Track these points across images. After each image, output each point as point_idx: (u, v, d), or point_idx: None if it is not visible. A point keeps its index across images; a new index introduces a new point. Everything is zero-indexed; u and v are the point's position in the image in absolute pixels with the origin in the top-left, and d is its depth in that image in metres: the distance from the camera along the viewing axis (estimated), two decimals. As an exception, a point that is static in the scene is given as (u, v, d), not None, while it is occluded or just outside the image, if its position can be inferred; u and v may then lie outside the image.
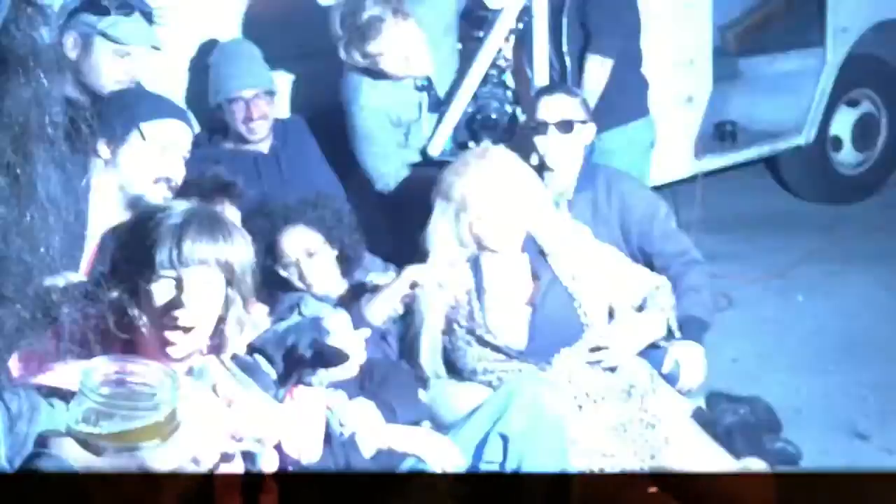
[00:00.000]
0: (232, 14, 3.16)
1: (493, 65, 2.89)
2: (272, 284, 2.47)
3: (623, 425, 2.35)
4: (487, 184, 2.44)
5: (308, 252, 2.52)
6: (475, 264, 2.50)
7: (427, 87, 2.92)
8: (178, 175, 2.21)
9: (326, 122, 3.04)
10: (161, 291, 1.66)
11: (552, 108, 2.72)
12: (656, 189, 3.94)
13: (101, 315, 1.66)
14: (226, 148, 2.93)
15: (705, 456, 2.36)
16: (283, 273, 2.54)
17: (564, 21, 3.12)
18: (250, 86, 2.86)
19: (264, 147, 2.95)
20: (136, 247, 1.71)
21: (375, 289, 2.49)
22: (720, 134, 4.59)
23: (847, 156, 5.24)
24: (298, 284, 2.54)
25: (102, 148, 2.15)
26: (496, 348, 2.39)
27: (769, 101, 4.82)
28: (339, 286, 2.60)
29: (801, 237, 4.67)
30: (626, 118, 3.19)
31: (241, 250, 1.75)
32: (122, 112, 2.19)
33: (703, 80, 4.34)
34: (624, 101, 3.18)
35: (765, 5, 5.08)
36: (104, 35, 2.42)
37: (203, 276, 1.68)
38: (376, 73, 2.85)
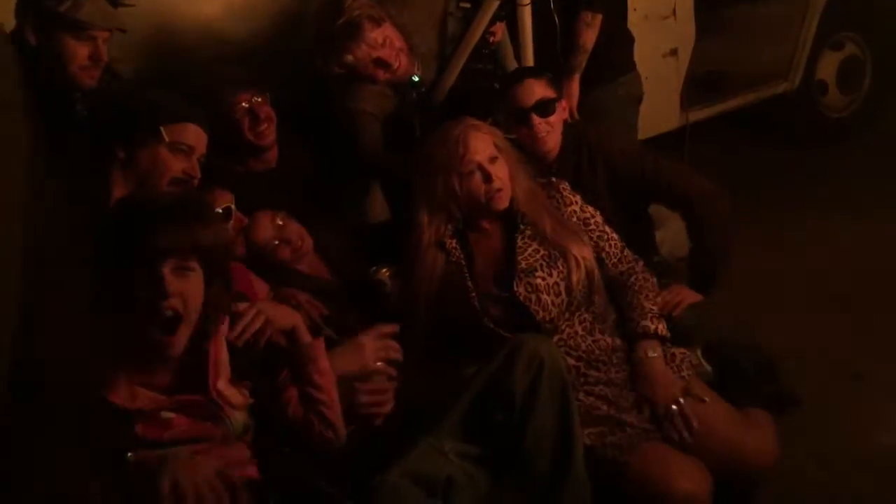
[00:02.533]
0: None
1: (484, 39, 2.87)
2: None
3: (626, 384, 2.40)
4: (473, 142, 2.44)
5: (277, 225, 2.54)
6: (462, 242, 2.51)
7: (413, 84, 2.89)
8: (195, 178, 2.23)
9: (317, 122, 3.01)
10: (142, 284, 1.66)
11: (525, 93, 2.72)
12: (646, 143, 3.98)
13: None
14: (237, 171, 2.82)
15: (709, 407, 2.39)
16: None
17: None
18: (248, 87, 2.78)
19: (271, 160, 2.88)
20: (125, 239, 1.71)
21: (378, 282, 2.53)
22: (706, 84, 4.59)
23: (833, 99, 5.26)
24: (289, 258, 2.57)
25: (120, 150, 2.17)
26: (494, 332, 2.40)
27: (754, 49, 4.82)
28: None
29: (791, 184, 4.71)
30: (615, 74, 3.19)
31: (218, 230, 1.79)
32: (141, 115, 2.21)
33: (686, 31, 4.33)
34: (612, 58, 3.19)
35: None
36: (65, 18, 2.39)
37: (180, 264, 1.68)
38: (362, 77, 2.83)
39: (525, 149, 2.74)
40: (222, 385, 1.78)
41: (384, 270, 2.56)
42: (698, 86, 4.56)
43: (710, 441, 2.33)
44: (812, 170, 4.88)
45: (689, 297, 2.64)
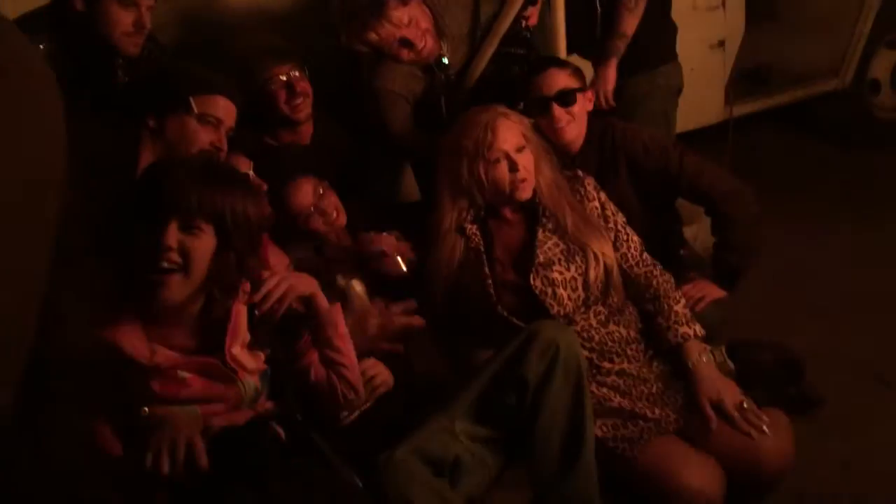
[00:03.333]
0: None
1: (520, 21, 2.85)
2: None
3: (640, 376, 2.39)
4: (502, 130, 2.44)
5: (318, 194, 2.55)
6: (483, 229, 2.51)
7: (440, 66, 2.87)
8: (222, 151, 2.27)
9: (346, 100, 3.02)
10: (145, 235, 1.72)
11: (546, 83, 2.70)
12: (688, 135, 3.94)
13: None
14: (268, 143, 2.84)
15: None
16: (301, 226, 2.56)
17: None
18: (286, 61, 2.79)
19: (305, 136, 2.90)
20: (143, 197, 1.77)
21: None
22: (753, 78, 4.52)
23: (886, 99, 5.14)
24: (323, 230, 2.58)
25: (151, 119, 2.21)
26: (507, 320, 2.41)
27: (805, 44, 4.73)
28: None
29: (832, 185, 4.63)
30: (655, 63, 3.16)
31: (236, 197, 1.79)
32: (172, 85, 2.25)
33: (735, 23, 4.27)
34: (653, 46, 3.15)
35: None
36: None
37: (187, 221, 1.73)
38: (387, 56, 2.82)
39: (548, 139, 2.74)
40: (237, 350, 1.83)
41: (353, 283, 2.50)
42: (745, 79, 4.49)
43: (725, 439, 2.31)
44: (854, 171, 4.79)
45: (713, 292, 2.62)
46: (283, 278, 1.95)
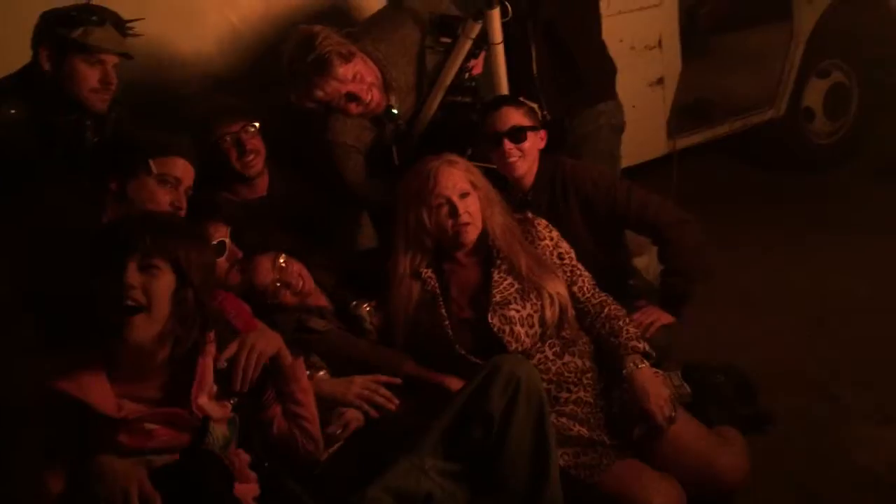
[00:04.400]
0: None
1: (464, 72, 2.97)
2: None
3: (597, 404, 2.49)
4: (444, 176, 2.55)
5: (278, 267, 2.61)
6: (438, 272, 2.61)
7: (389, 116, 2.98)
8: (181, 210, 2.35)
9: (302, 153, 3.13)
10: (106, 279, 1.79)
11: (500, 119, 2.83)
12: (634, 169, 4.09)
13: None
14: (225, 197, 2.91)
15: (681, 425, 2.47)
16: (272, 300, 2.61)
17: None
18: (236, 119, 2.90)
19: (261, 188, 2.99)
20: (102, 249, 1.85)
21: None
22: (693, 112, 4.69)
23: (820, 125, 5.36)
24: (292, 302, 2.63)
25: (113, 182, 2.30)
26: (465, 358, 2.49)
27: (740, 78, 4.92)
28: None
29: (774, 208, 4.81)
30: (596, 100, 3.29)
31: (188, 240, 1.89)
32: (132, 148, 2.34)
33: (672, 61, 4.44)
34: (594, 85, 3.29)
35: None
36: (75, 43, 2.53)
37: (145, 260, 1.81)
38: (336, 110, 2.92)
39: (503, 176, 2.86)
40: (203, 400, 1.89)
41: (365, 306, 2.65)
42: (685, 113, 4.67)
43: (683, 458, 2.42)
44: (795, 194, 4.99)
45: (662, 318, 2.74)
46: (252, 345, 2.00)
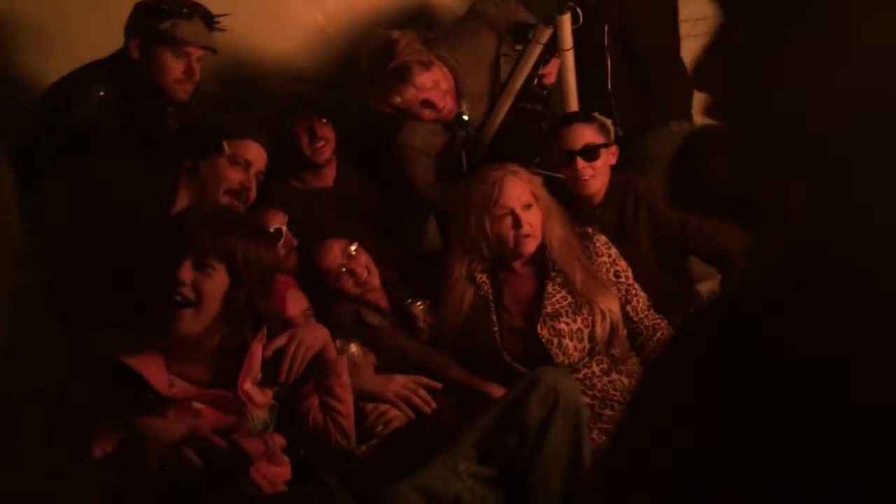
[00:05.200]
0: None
1: (536, 81, 2.98)
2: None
3: None
4: (509, 187, 2.59)
5: (348, 255, 2.67)
6: (493, 279, 2.64)
7: (460, 123, 3.02)
8: (251, 191, 2.44)
9: (373, 155, 3.19)
10: (162, 272, 1.87)
11: (572, 137, 2.83)
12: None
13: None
14: (294, 186, 3.01)
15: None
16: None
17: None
18: (310, 108, 2.98)
19: (329, 178, 3.07)
20: (167, 237, 1.94)
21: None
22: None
23: None
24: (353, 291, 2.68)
25: (188, 161, 2.41)
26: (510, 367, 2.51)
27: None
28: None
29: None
30: (666, 118, 3.25)
31: (248, 242, 1.93)
32: (209, 130, 2.47)
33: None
34: (665, 101, 3.24)
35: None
36: (163, 34, 2.65)
37: (200, 260, 1.88)
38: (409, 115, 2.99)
39: (570, 190, 2.87)
40: (248, 386, 1.96)
41: (419, 304, 2.70)
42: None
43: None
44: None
45: None
46: (300, 341, 2.06)
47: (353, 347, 2.48)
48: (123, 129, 2.69)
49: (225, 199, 2.39)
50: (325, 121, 2.96)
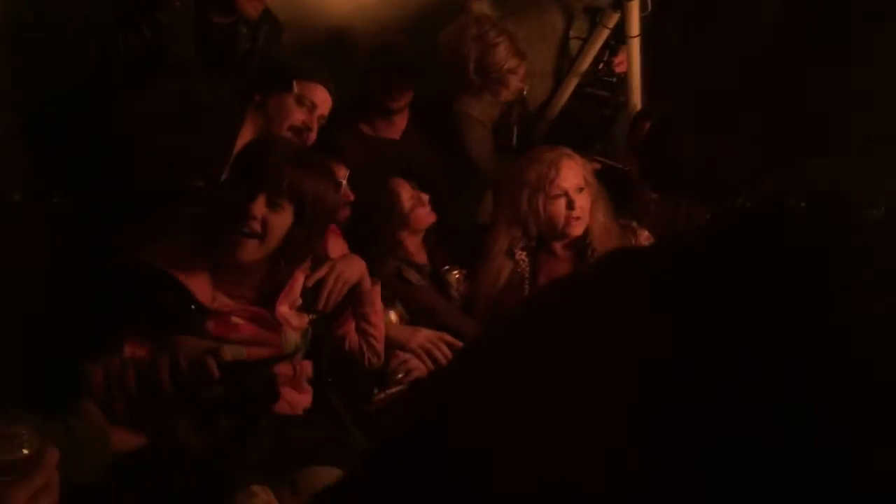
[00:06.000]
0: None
1: (604, 67, 3.00)
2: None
3: None
4: (565, 169, 2.63)
5: (419, 198, 2.71)
6: (532, 257, 2.68)
7: (520, 100, 3.04)
8: (312, 131, 2.52)
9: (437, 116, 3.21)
10: (237, 200, 1.95)
11: None
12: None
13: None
14: (363, 131, 3.05)
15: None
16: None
17: None
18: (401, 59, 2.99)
19: (398, 129, 3.11)
20: (243, 166, 2.03)
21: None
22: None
23: None
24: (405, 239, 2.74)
25: (257, 94, 2.50)
26: None
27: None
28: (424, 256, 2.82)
29: None
30: None
31: (320, 187, 2.01)
32: (280, 67, 2.56)
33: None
34: None
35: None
36: None
37: (274, 198, 1.96)
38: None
39: (630, 180, 2.89)
40: (285, 309, 2.07)
41: (455, 273, 2.75)
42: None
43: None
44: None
45: None
46: (339, 273, 2.19)
47: (393, 315, 2.57)
48: (196, 42, 2.76)
49: (287, 136, 2.47)
50: (406, 71, 2.98)
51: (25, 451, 1.06)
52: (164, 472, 1.65)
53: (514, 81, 2.92)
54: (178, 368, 1.62)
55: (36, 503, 1.05)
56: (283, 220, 1.98)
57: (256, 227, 1.95)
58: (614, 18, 2.92)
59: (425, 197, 2.74)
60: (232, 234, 1.94)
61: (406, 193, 2.71)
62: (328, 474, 1.79)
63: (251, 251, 1.96)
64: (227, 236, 1.95)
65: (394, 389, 2.41)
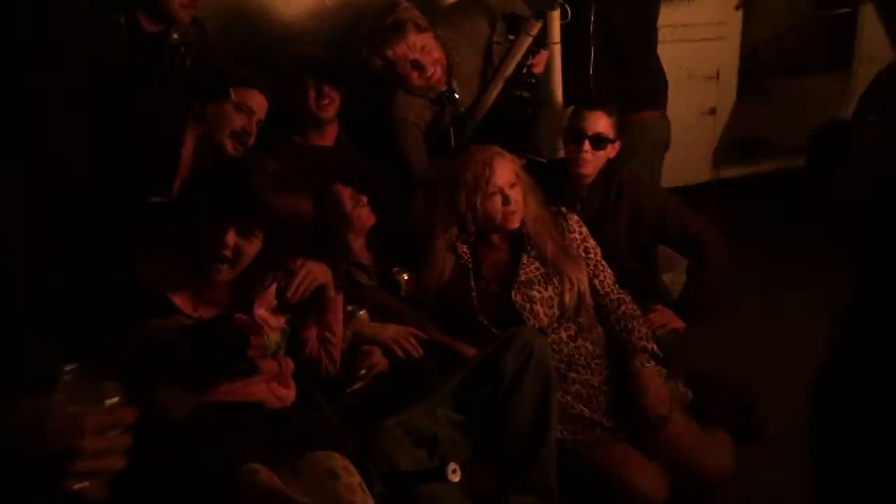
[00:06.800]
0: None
1: (525, 69, 3.21)
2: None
3: (601, 389, 2.70)
4: (498, 168, 2.80)
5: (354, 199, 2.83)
6: (473, 250, 2.84)
7: (449, 100, 3.22)
8: (251, 136, 2.67)
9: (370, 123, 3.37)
10: (209, 228, 2.09)
11: (591, 122, 3.06)
12: (675, 191, 4.26)
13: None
14: (296, 141, 3.16)
15: (674, 420, 2.68)
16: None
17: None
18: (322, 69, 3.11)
19: (330, 138, 3.23)
20: (218, 190, 2.15)
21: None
22: (741, 145, 4.88)
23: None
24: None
25: (197, 104, 2.63)
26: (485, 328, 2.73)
27: (793, 119, 5.09)
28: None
29: (804, 251, 4.89)
30: (637, 107, 3.50)
31: (292, 212, 2.22)
32: (216, 76, 2.68)
33: (728, 93, 4.64)
34: (639, 92, 3.51)
35: (797, 31, 5.36)
36: None
37: (246, 229, 2.10)
38: (406, 88, 3.18)
39: (561, 171, 3.08)
40: (262, 311, 2.21)
41: (404, 275, 2.90)
42: (733, 146, 4.85)
43: (672, 449, 2.62)
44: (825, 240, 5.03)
45: (675, 322, 2.95)
46: (309, 271, 2.33)
47: (362, 313, 2.72)
48: (132, 53, 2.84)
49: (228, 142, 2.61)
50: (332, 81, 3.12)
51: (108, 402, 1.14)
52: (155, 447, 1.73)
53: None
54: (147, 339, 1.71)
55: (101, 456, 1.13)
56: (254, 247, 2.14)
57: (228, 254, 2.09)
58: (537, 27, 3.16)
59: (364, 198, 2.87)
60: (206, 259, 2.08)
61: (346, 195, 2.83)
62: (328, 458, 1.92)
63: (224, 274, 2.12)
64: (203, 260, 2.09)
65: (358, 385, 2.53)
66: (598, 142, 3.06)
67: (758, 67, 5.30)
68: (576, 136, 3.06)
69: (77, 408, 1.12)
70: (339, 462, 1.96)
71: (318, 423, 2.13)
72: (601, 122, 3.07)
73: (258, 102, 2.70)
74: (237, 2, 3.07)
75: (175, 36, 2.90)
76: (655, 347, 2.77)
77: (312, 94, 3.11)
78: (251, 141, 2.68)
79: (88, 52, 2.66)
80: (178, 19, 2.88)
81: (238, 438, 1.87)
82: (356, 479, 1.95)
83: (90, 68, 2.67)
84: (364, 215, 2.86)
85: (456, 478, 2.08)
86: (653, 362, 2.74)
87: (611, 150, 3.12)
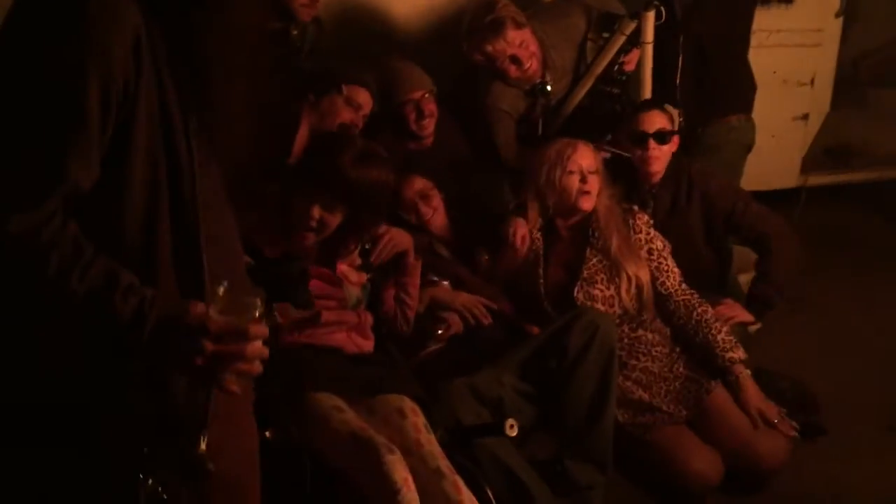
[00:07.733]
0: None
1: (616, 66, 3.34)
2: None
3: (661, 375, 2.82)
4: (582, 150, 2.99)
5: (422, 195, 3.06)
6: (546, 236, 3.01)
7: (542, 92, 3.36)
8: (358, 127, 2.90)
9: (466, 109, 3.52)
10: (298, 199, 2.36)
11: (649, 121, 3.17)
12: (760, 195, 4.30)
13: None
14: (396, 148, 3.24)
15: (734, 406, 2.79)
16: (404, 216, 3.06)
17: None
18: (418, 88, 3.25)
19: (428, 143, 3.33)
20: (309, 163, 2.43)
21: None
22: (832, 154, 4.87)
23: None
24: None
25: (311, 95, 2.87)
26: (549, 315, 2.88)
27: (888, 131, 5.05)
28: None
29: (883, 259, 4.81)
30: (725, 111, 3.59)
31: (374, 188, 2.40)
32: (331, 73, 2.93)
33: (821, 100, 4.64)
34: (726, 95, 3.59)
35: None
36: None
37: (331, 203, 2.35)
38: (504, 79, 3.33)
39: (635, 169, 3.21)
40: (345, 268, 2.49)
41: (485, 255, 3.10)
42: (824, 154, 4.85)
43: (731, 436, 2.74)
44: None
45: (742, 315, 3.04)
46: (392, 237, 2.60)
47: (445, 283, 2.94)
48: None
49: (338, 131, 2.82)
50: (430, 96, 3.22)
51: (257, 313, 1.33)
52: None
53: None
54: None
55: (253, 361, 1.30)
56: (337, 218, 2.38)
57: (313, 224, 2.34)
58: (631, 26, 3.27)
59: (434, 199, 3.09)
60: (295, 227, 2.34)
61: (414, 188, 3.06)
62: (399, 400, 2.13)
63: (309, 240, 2.38)
64: (292, 228, 2.36)
65: (432, 347, 2.73)
66: (662, 137, 3.16)
67: (856, 77, 5.26)
68: (640, 137, 3.16)
69: (233, 318, 1.29)
70: (408, 404, 2.21)
71: (392, 370, 2.36)
72: (658, 119, 3.18)
73: (364, 98, 2.95)
74: (354, 2, 3.27)
75: (295, 32, 3.15)
76: (742, 354, 2.87)
77: (413, 116, 3.22)
78: (357, 131, 2.89)
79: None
80: (298, 18, 3.12)
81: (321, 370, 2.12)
82: (421, 419, 2.18)
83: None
84: (432, 206, 3.07)
85: (513, 432, 2.24)
86: (747, 370, 2.85)
87: (673, 144, 3.22)
